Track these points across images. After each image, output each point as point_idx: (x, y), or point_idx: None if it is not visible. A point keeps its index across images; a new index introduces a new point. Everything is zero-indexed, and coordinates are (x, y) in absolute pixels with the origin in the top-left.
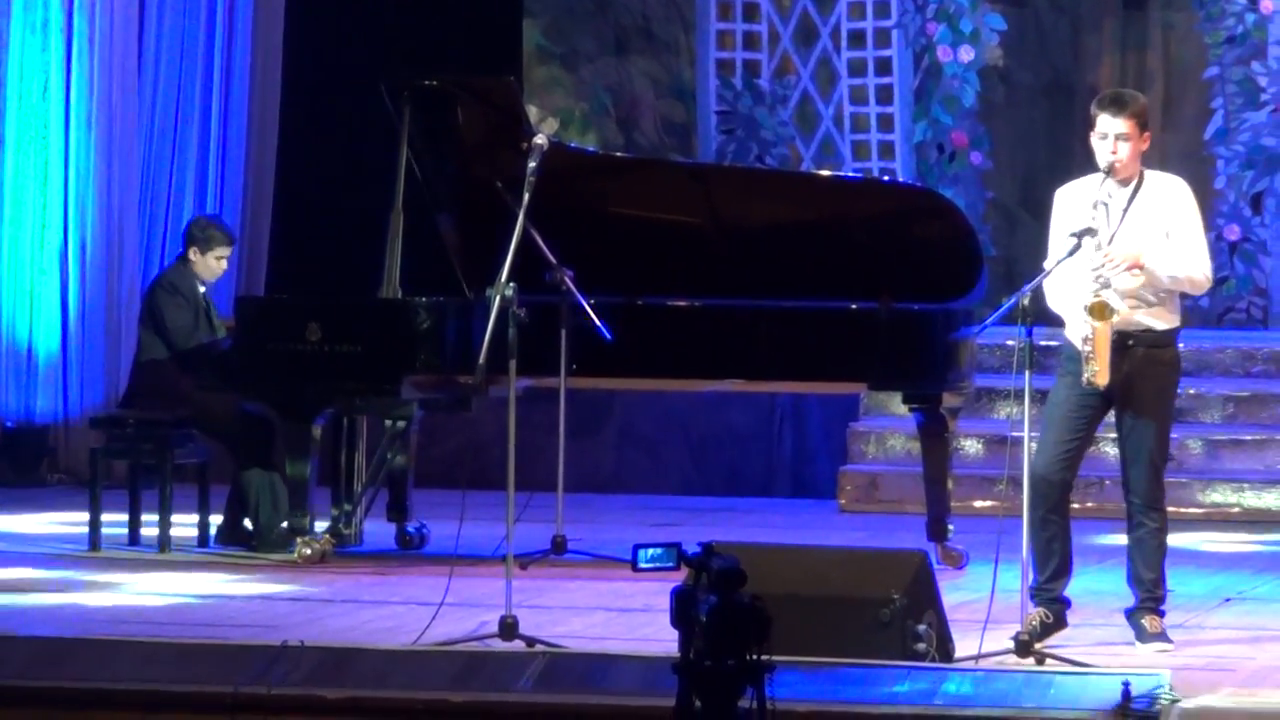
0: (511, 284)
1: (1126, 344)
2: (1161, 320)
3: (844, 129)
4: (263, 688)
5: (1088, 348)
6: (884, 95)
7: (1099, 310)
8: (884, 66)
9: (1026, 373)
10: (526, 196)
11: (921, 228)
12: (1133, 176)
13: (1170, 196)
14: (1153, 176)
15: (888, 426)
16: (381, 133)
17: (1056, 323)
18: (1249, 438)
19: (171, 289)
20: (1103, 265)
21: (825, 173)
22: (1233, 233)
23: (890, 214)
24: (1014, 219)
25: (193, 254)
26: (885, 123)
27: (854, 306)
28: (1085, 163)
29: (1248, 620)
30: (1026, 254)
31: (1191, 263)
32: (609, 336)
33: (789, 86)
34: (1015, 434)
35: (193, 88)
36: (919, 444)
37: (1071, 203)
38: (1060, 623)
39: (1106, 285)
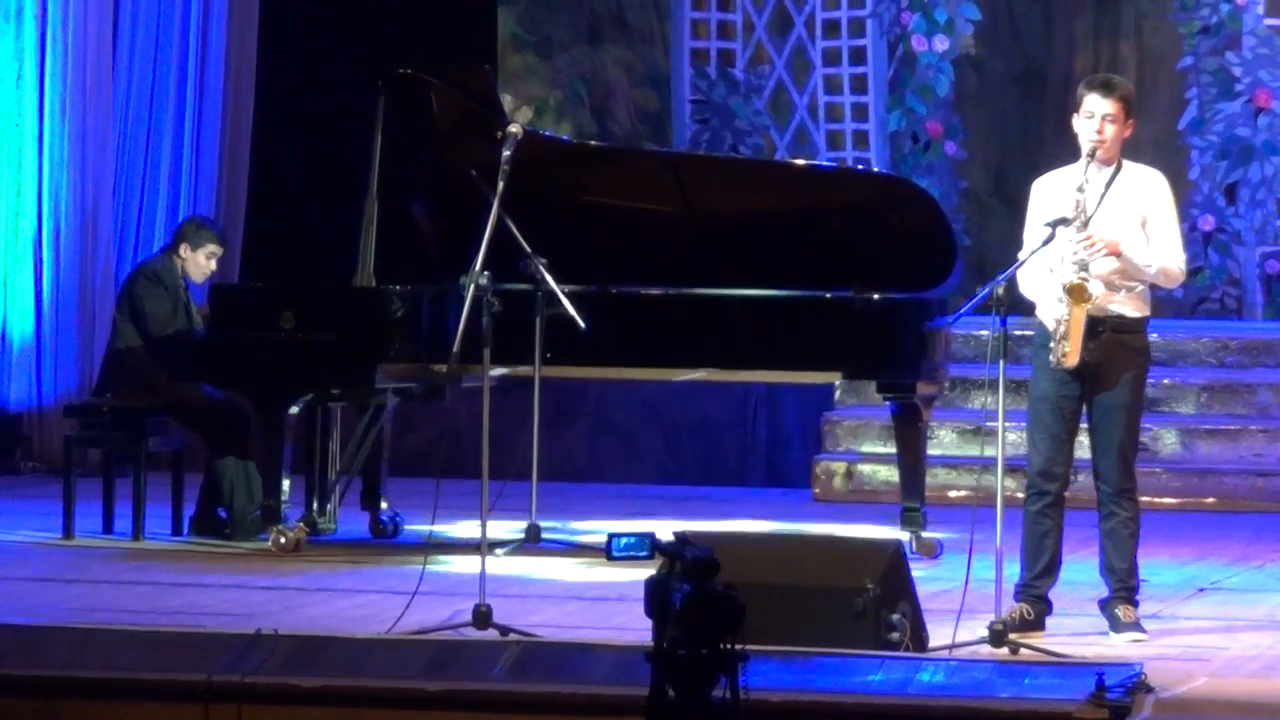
0: (486, 272)
1: (1097, 330)
2: (1132, 308)
3: (818, 118)
4: (236, 676)
5: (1061, 328)
6: (858, 85)
7: (1078, 292)
8: (858, 56)
9: (1001, 362)
10: (501, 185)
11: (896, 217)
12: (1113, 160)
13: (1148, 188)
14: (1131, 166)
15: (862, 415)
16: (356, 120)
17: (1031, 311)
18: (1223, 427)
19: (154, 278)
20: (1082, 247)
21: (800, 162)
22: (1207, 223)
23: (865, 203)
24: (986, 208)
25: (184, 250)
26: (860, 112)
27: (828, 295)
28: (1057, 152)
29: (1222, 610)
30: (999, 244)
31: (1167, 254)
32: (583, 325)
33: (763, 76)
34: (990, 423)
35: (167, 74)
36: (893, 433)
37: (1049, 193)
38: (1039, 624)
39: (1085, 267)
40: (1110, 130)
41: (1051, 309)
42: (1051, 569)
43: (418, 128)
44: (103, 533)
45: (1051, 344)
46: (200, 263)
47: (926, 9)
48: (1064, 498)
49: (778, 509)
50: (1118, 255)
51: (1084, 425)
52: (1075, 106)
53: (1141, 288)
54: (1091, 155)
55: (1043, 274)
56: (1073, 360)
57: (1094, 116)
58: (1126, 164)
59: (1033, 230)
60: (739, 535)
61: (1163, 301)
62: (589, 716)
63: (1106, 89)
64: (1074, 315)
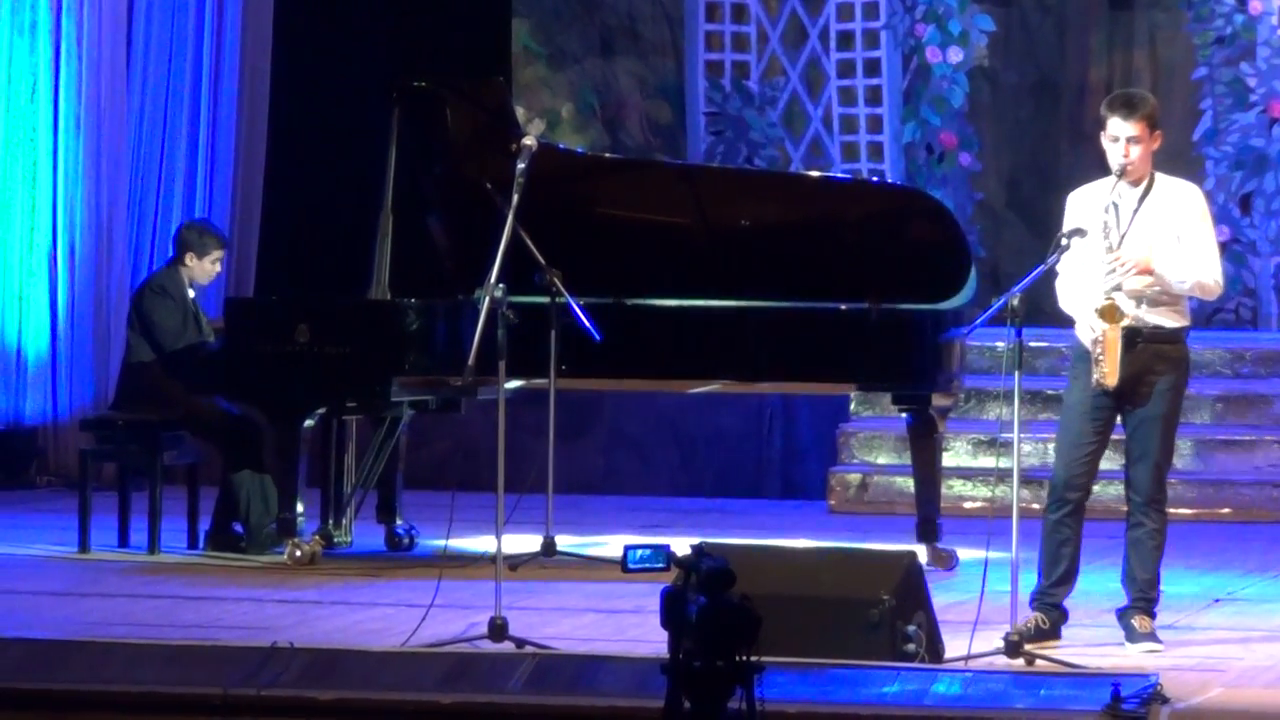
0: (501, 285)
1: (1135, 342)
2: (1170, 319)
3: (833, 130)
4: (252, 689)
5: (1098, 350)
6: (873, 96)
7: (1110, 313)
8: (873, 68)
9: (1016, 374)
10: (515, 197)
11: (911, 228)
12: (1143, 177)
13: (1182, 201)
14: (1164, 180)
15: (877, 427)
16: (371, 133)
17: (1046, 323)
18: (1238, 438)
19: (160, 290)
20: (1113, 269)
21: (814, 174)
22: (1222, 234)
23: (879, 215)
24: (1001, 220)
25: (189, 259)
26: (874, 124)
27: (843, 307)
28: (1072, 163)
29: (1237, 621)
30: (1013, 255)
31: (1202, 268)
32: (598, 337)
33: (778, 88)
34: (1006, 435)
35: (181, 89)
36: (909, 445)
37: (1083, 206)
38: (1055, 633)
39: (1117, 288)
40: (1136, 151)
41: (1087, 329)
42: (1068, 578)
43: (432, 141)
44: (118, 546)
45: (1092, 366)
46: (207, 268)
47: (940, 21)
48: (1084, 507)
49: (793, 521)
50: (1150, 273)
51: (1116, 437)
52: (1101, 125)
53: (1179, 299)
54: (1120, 176)
55: (1080, 287)
56: (1112, 381)
57: (1119, 140)
58: (1159, 178)
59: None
60: (754, 547)
61: None
62: None
63: (1128, 110)
64: (1108, 337)
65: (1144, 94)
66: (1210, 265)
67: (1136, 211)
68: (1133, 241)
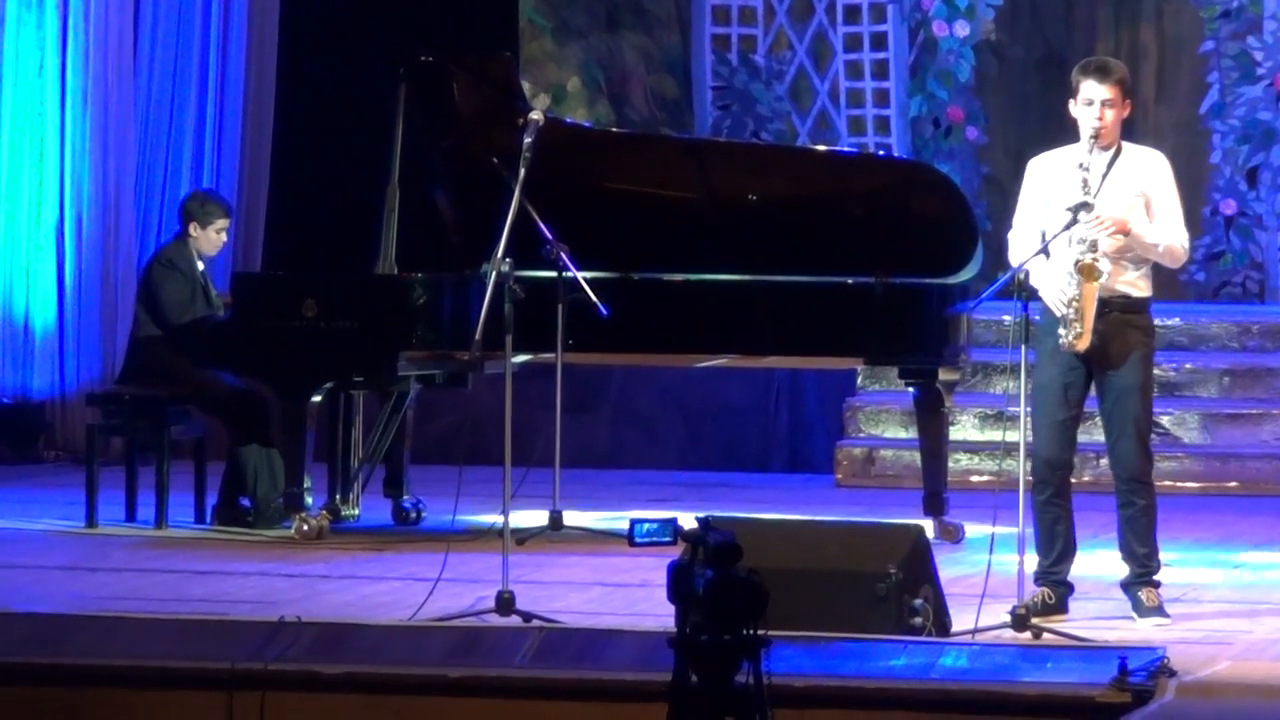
0: (508, 260)
1: (1104, 311)
2: (1138, 289)
3: (840, 104)
4: (260, 663)
5: (1071, 310)
6: (879, 70)
7: (1089, 270)
8: (879, 41)
9: (1023, 347)
10: (522, 172)
11: (917, 202)
12: (1113, 143)
13: (1150, 169)
14: (1131, 148)
15: (884, 401)
16: (378, 108)
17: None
18: (1245, 411)
19: (168, 264)
20: (1091, 227)
21: (821, 148)
22: (1229, 207)
23: (886, 189)
24: (1007, 194)
25: (193, 229)
26: (881, 98)
27: (850, 281)
28: (1078, 137)
29: (1244, 594)
30: None
31: (1171, 233)
32: (605, 312)
33: (784, 62)
34: (1012, 409)
35: (189, 64)
36: (915, 419)
37: (1046, 173)
38: (1062, 607)
39: (1094, 247)
40: (1110, 115)
41: (1060, 292)
42: (1067, 553)
43: (439, 116)
44: (126, 521)
45: (1061, 329)
46: (211, 238)
47: None
48: (1070, 482)
49: (800, 495)
50: (1126, 233)
51: (1089, 410)
52: (1072, 92)
53: (1145, 267)
54: (1095, 139)
55: (1039, 259)
56: (1085, 343)
57: (1093, 103)
58: (1126, 145)
59: (1026, 209)
60: (761, 521)
61: (1184, 285)
62: (612, 702)
63: (1103, 74)
64: (1085, 294)
65: (1117, 61)
66: (1179, 231)
67: (1106, 176)
68: (1102, 205)
